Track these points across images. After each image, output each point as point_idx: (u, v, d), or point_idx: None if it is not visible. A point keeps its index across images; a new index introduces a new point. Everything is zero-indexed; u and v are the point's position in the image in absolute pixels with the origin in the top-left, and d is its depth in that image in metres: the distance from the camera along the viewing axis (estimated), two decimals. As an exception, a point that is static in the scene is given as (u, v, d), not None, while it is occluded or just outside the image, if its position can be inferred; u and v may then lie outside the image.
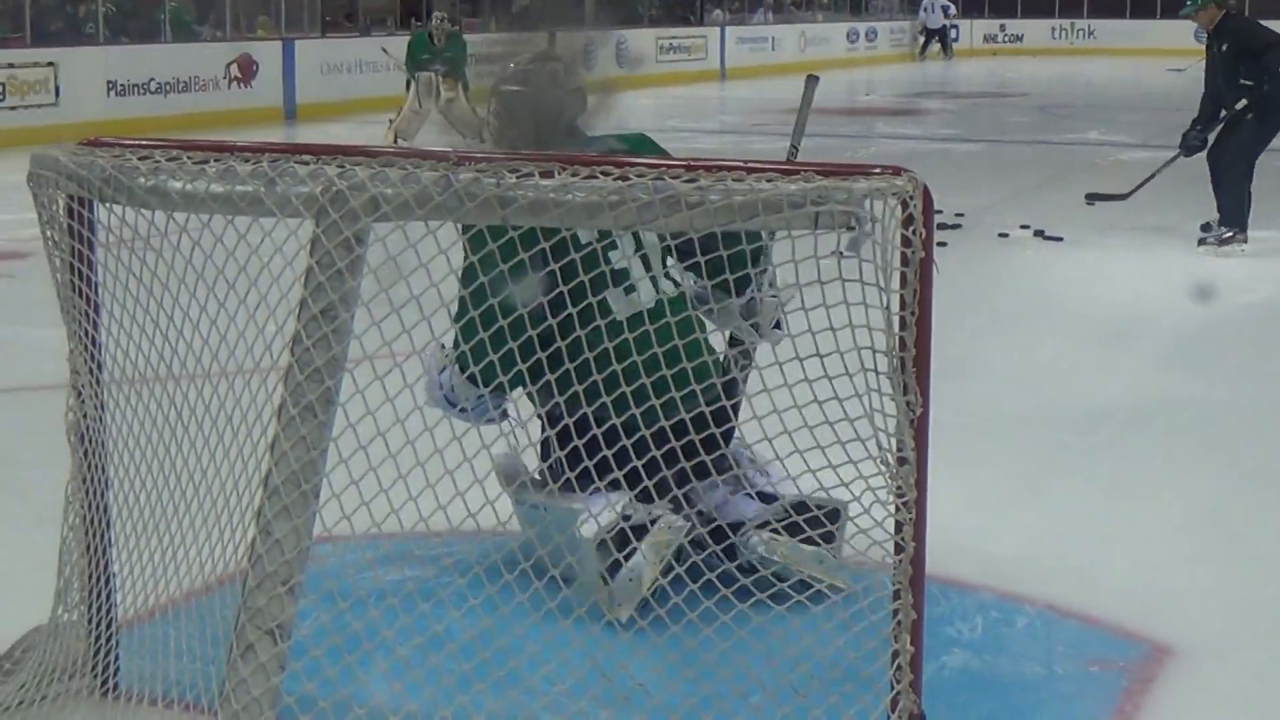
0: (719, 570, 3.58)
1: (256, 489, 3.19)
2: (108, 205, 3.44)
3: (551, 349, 3.63)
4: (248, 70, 19.70)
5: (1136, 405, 6.80)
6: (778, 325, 4.24)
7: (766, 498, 4.23)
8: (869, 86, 28.88)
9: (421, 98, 16.54)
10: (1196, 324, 8.63)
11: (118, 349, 3.54)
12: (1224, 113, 10.65)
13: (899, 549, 3.22)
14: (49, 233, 3.55)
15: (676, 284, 4.29)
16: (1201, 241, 10.73)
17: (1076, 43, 41.84)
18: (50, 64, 17.32)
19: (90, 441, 3.60)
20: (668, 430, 3.59)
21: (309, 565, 4.00)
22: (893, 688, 3.21)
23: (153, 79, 18.43)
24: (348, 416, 3.26)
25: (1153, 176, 11.48)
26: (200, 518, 3.38)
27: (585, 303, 3.66)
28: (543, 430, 4.04)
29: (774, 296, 4.22)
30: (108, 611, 3.65)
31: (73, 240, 3.57)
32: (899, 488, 3.20)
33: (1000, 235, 11.33)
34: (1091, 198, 12.25)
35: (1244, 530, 5.24)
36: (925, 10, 39.26)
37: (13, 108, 16.62)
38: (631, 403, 3.52)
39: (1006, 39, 41.88)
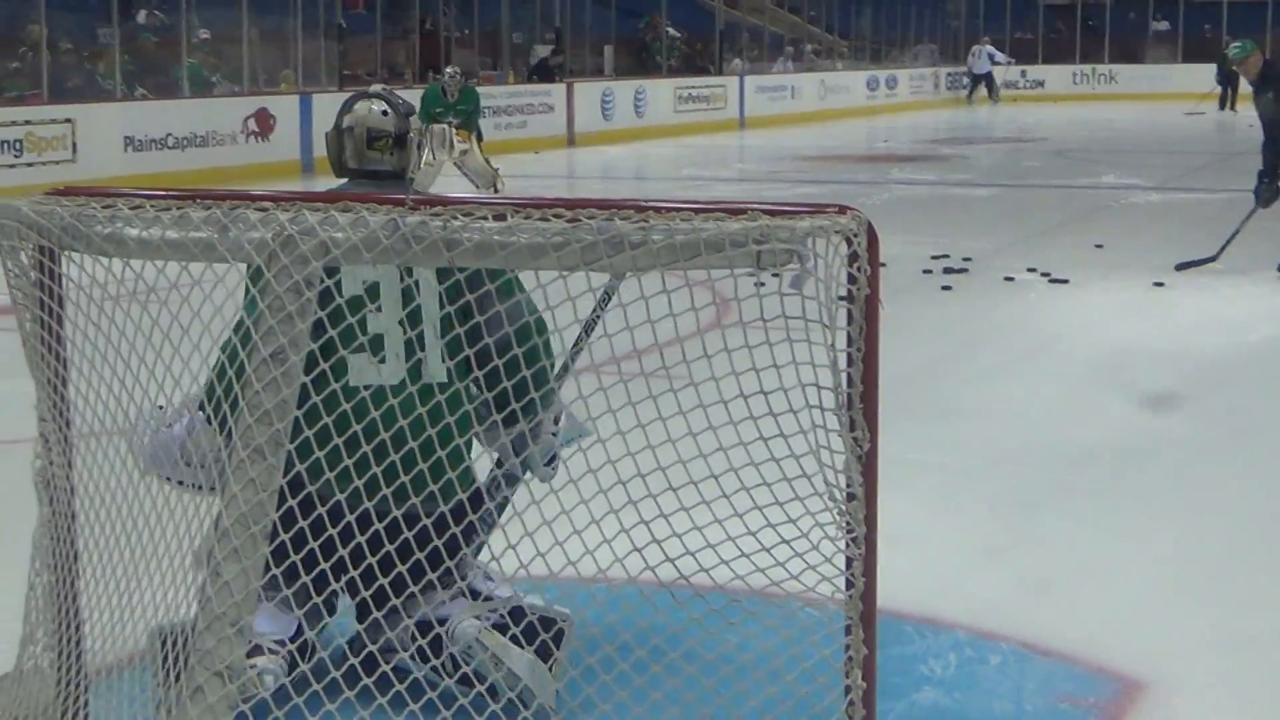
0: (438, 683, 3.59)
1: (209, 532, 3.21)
2: (79, 255, 3.46)
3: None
4: (265, 124, 19.84)
5: (1127, 446, 6.83)
6: (552, 461, 4.07)
7: (482, 597, 4.03)
8: (887, 134, 28.96)
9: (435, 150, 16.63)
10: (1193, 365, 8.62)
11: (82, 400, 3.56)
12: None
13: (849, 585, 3.21)
14: (14, 282, 3.58)
15: (449, 378, 3.95)
16: None
17: (1098, 88, 41.90)
18: (68, 120, 17.45)
19: (57, 489, 3.62)
20: (399, 522, 3.51)
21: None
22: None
23: (170, 134, 18.56)
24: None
25: (1236, 233, 11.33)
26: (158, 564, 3.40)
27: (332, 359, 3.53)
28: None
29: (553, 434, 4.11)
30: (77, 658, 3.66)
31: (39, 291, 3.60)
32: (848, 524, 3.20)
33: (1006, 279, 11.33)
34: (1181, 266, 11.41)
35: (1220, 571, 5.26)
36: (974, 56, 39.86)
37: (30, 164, 16.73)
38: (354, 481, 3.44)
39: (1028, 84, 41.95)
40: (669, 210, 3.15)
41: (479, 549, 4.06)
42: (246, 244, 3.22)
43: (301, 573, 3.39)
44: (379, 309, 3.91)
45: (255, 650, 3.77)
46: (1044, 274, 11.37)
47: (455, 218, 3.16)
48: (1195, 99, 34.50)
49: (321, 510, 3.43)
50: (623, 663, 3.43)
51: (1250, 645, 4.57)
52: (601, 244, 3.10)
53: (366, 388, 3.72)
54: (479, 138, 17.01)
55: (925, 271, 11.39)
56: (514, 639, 3.84)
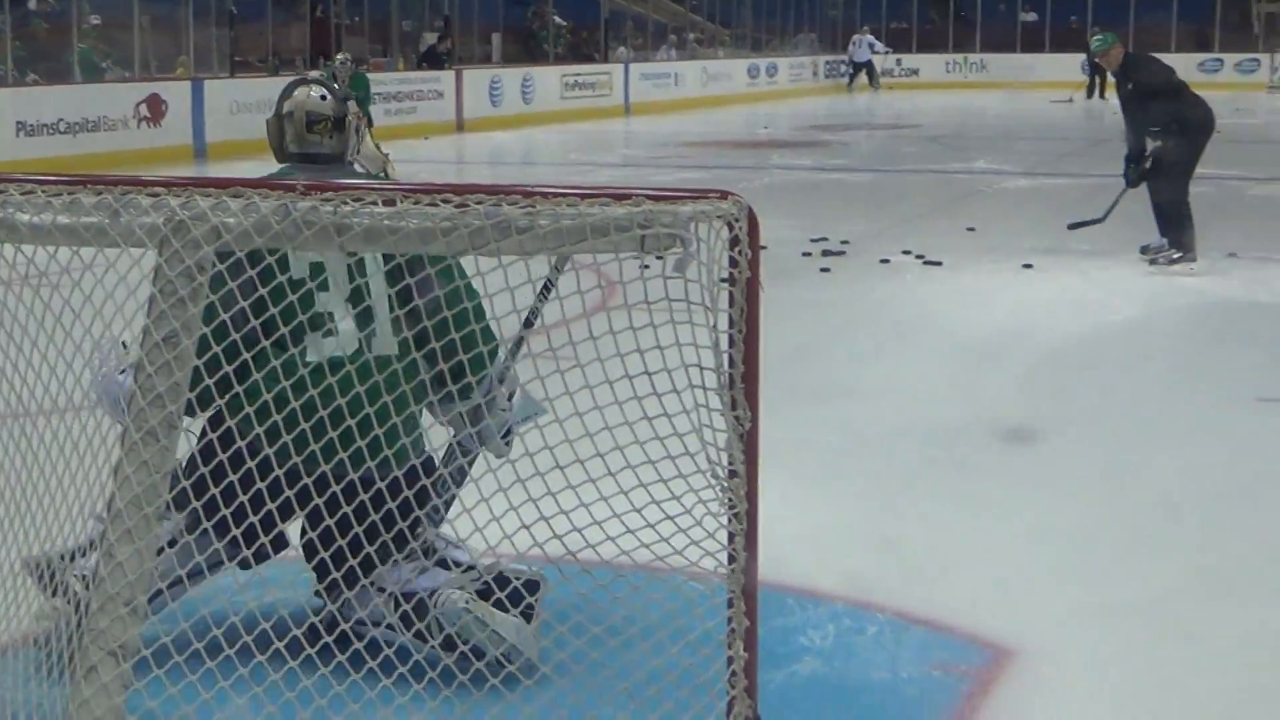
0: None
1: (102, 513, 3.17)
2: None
3: (240, 377, 3.56)
4: (157, 110, 19.53)
5: (998, 423, 6.90)
6: (507, 436, 4.08)
7: (463, 568, 4.01)
8: (768, 120, 29.04)
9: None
10: (1064, 342, 8.74)
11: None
12: (1148, 145, 10.84)
13: (732, 559, 3.23)
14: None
15: (402, 350, 3.94)
16: (1152, 261, 10.94)
17: (970, 76, 42.31)
18: (-42, 104, 17.13)
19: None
20: (356, 485, 3.60)
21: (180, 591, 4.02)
22: (729, 693, 3.24)
23: (62, 119, 18.23)
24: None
25: (1117, 201, 11.43)
26: (51, 547, 3.35)
27: (277, 335, 3.62)
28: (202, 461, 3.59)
29: (504, 410, 4.11)
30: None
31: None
32: (730, 500, 3.22)
33: (882, 261, 11.41)
34: (1073, 226, 11.73)
35: (1084, 544, 5.33)
36: (854, 45, 40.10)
37: (-79, 149, 16.42)
38: (310, 445, 3.50)
39: (903, 73, 42.28)
40: (555, 195, 3.15)
41: (438, 518, 4.04)
42: (138, 229, 3.18)
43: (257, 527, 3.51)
44: (324, 287, 3.92)
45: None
46: (918, 256, 11.47)
47: (345, 203, 3.14)
48: (1065, 88, 34.94)
49: (279, 472, 3.48)
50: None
51: (1112, 615, 4.64)
52: (489, 228, 3.09)
53: (317, 360, 3.83)
54: (369, 124, 16.86)
55: (804, 254, 11.45)
56: (499, 604, 3.86)
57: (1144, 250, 11.16)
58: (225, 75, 22.65)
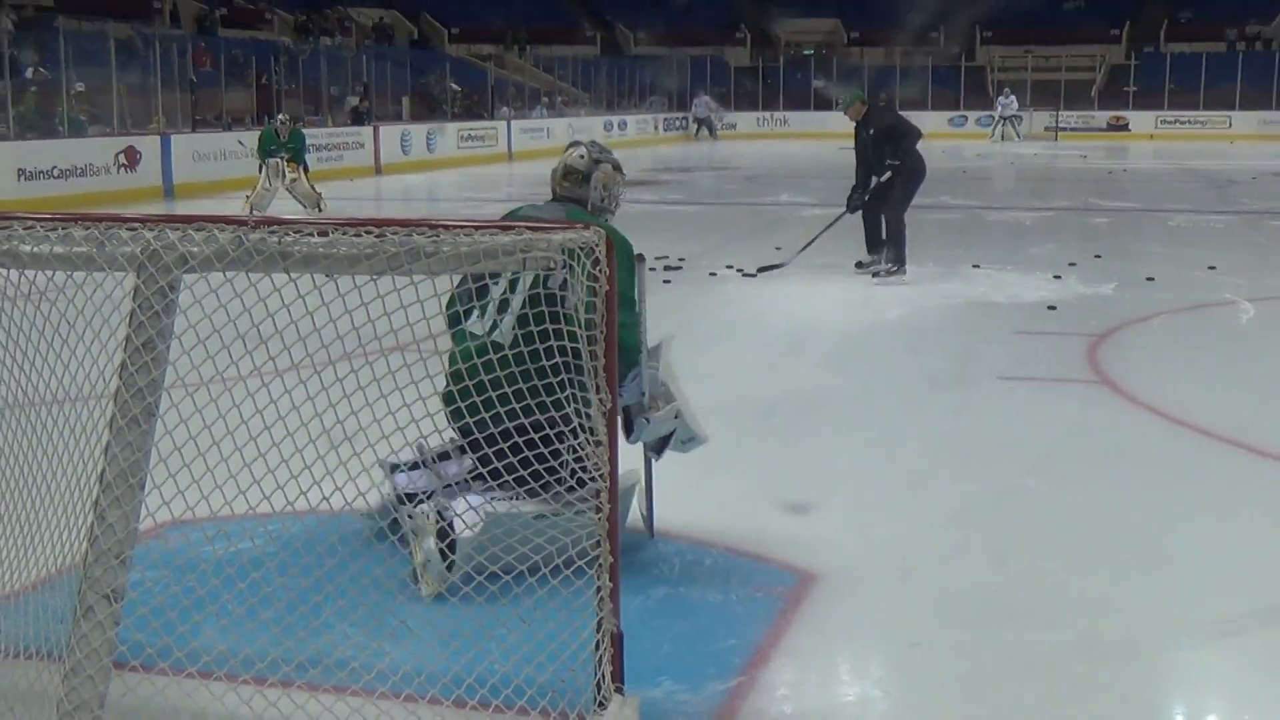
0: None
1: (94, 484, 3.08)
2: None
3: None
4: (133, 159, 19.05)
5: (803, 396, 6.97)
6: (661, 450, 4.45)
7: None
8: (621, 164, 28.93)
9: (271, 178, 16.23)
10: (851, 335, 8.84)
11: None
12: (874, 180, 10.94)
13: (599, 509, 3.23)
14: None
15: (525, 341, 3.52)
16: (875, 274, 10.98)
17: (776, 129, 42.64)
18: (-30, 155, 16.57)
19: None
20: (471, 428, 3.53)
21: (157, 543, 3.93)
22: (597, 614, 3.24)
23: (55, 166, 17.72)
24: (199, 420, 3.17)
25: (812, 241, 11.48)
26: (54, 511, 3.26)
27: (468, 305, 4.20)
28: None
29: (646, 419, 4.34)
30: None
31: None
32: (596, 464, 3.22)
33: (711, 274, 11.46)
34: (762, 270, 11.46)
35: (875, 486, 5.41)
36: (696, 104, 40.87)
37: (-62, 193, 15.86)
38: (449, 387, 3.73)
39: (725, 127, 42.49)
40: (455, 227, 3.13)
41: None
42: (119, 256, 3.11)
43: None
44: (494, 278, 4.05)
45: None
46: (739, 270, 11.53)
47: (288, 234, 3.09)
48: (849, 138, 35.30)
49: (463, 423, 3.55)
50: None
51: (888, 543, 4.72)
52: (403, 254, 3.07)
53: (471, 336, 4.12)
54: (305, 169, 16.59)
55: (651, 269, 11.40)
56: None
57: (859, 265, 11.20)
58: (188, 130, 22.18)
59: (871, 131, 11.06)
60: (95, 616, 2.93)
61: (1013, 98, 38.81)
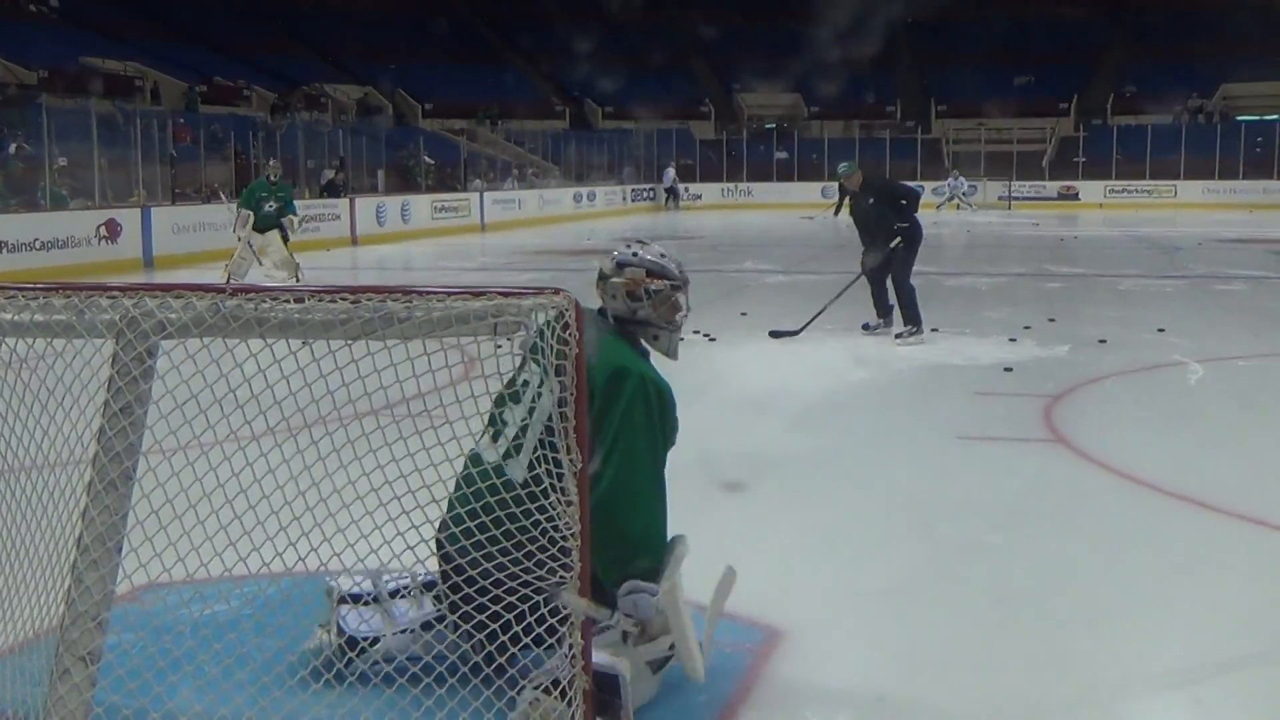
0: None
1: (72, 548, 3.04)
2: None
3: None
4: (114, 231, 19.01)
5: (767, 456, 6.95)
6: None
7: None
8: (590, 234, 29.14)
9: (237, 229, 16.21)
10: (815, 397, 8.85)
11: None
12: (887, 245, 10.96)
13: (568, 568, 3.21)
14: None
15: (530, 480, 3.36)
16: (897, 337, 10.99)
17: (739, 199, 43.00)
18: (-48, 228, 16.48)
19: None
20: (451, 556, 3.56)
21: (134, 606, 3.87)
22: (570, 671, 3.21)
23: (37, 239, 17.68)
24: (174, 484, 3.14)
25: (823, 310, 11.53)
26: (31, 574, 3.21)
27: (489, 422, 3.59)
28: None
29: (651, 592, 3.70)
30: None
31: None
32: (567, 522, 3.20)
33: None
34: (774, 334, 11.41)
35: (841, 543, 5.38)
36: (665, 176, 41.97)
37: (-79, 264, 15.75)
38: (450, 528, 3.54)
39: (691, 197, 42.81)
40: (428, 293, 3.13)
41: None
42: (99, 324, 3.09)
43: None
44: (515, 399, 3.56)
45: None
46: (705, 334, 11.54)
47: (265, 301, 3.08)
48: (812, 209, 35.67)
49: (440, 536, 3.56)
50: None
51: (856, 598, 4.71)
52: (377, 319, 3.06)
53: (479, 460, 3.54)
54: (285, 238, 16.57)
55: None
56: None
57: (866, 328, 11.32)
58: (168, 203, 22.17)
59: (872, 200, 11.15)
60: (72, 679, 2.88)
61: (961, 179, 39.45)
